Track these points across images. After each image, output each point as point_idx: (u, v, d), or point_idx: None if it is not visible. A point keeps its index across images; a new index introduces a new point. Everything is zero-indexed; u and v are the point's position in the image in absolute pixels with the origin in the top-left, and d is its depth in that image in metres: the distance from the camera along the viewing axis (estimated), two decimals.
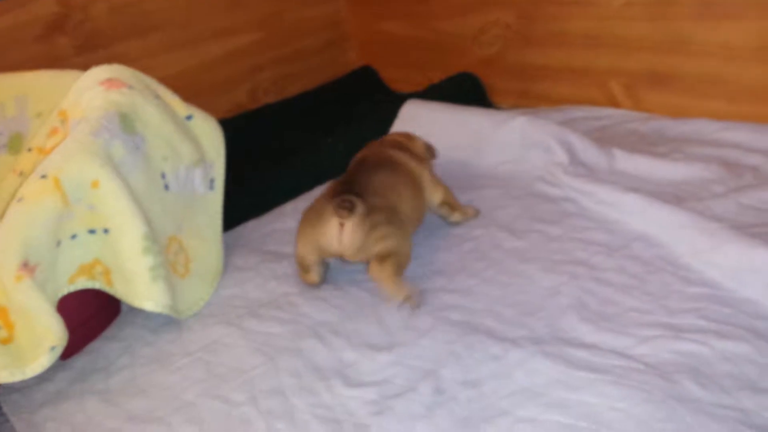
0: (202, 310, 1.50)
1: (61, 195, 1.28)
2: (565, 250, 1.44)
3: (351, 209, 1.33)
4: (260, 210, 1.93)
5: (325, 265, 1.49)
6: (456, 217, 1.61)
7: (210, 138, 1.69)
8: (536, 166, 1.75)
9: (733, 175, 1.55)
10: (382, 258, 1.34)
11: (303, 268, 1.47)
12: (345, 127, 2.21)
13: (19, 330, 1.24)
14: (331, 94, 2.64)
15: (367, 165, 1.52)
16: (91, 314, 1.47)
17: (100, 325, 1.50)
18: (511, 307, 1.30)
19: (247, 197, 1.94)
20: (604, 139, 1.85)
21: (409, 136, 1.71)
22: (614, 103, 2.02)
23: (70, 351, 1.42)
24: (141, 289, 1.37)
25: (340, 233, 1.35)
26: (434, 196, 1.59)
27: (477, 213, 1.63)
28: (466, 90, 2.28)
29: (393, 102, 2.54)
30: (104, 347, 1.44)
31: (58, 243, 1.31)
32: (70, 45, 2.05)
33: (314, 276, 1.47)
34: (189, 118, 1.66)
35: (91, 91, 1.48)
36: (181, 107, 1.65)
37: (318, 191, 1.96)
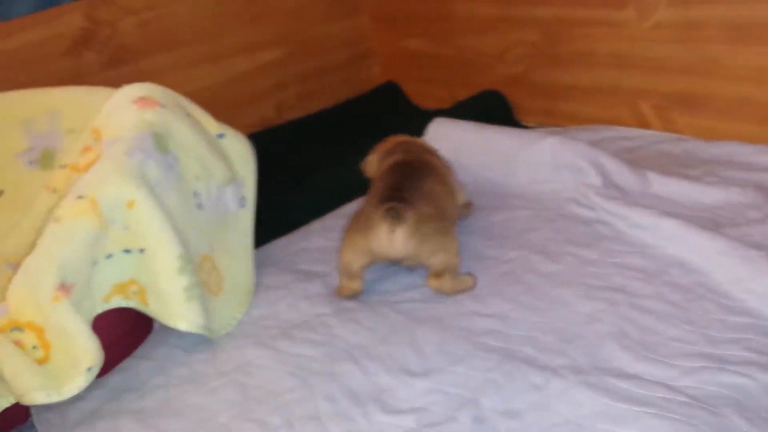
0: (235, 330, 1.49)
1: (97, 215, 1.28)
2: (602, 276, 1.43)
3: (401, 217, 1.38)
4: (286, 227, 1.92)
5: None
6: (465, 213, 1.73)
7: (241, 156, 1.69)
8: (568, 187, 1.74)
9: None
10: (439, 273, 1.43)
11: (348, 275, 1.47)
12: (371, 144, 2.20)
13: (55, 350, 1.23)
14: (356, 110, 2.64)
15: (412, 170, 1.55)
16: (123, 333, 1.46)
17: (132, 344, 1.50)
18: (550, 334, 1.29)
19: (272, 214, 1.94)
20: (635, 160, 1.84)
21: (417, 141, 1.78)
22: (644, 124, 2.02)
23: (103, 369, 1.41)
24: (175, 308, 1.36)
25: (391, 239, 1.39)
26: (459, 199, 1.66)
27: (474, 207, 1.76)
28: (492, 108, 2.28)
29: (416, 117, 2.55)
30: (137, 366, 1.43)
31: (94, 263, 1.30)
32: (97, 60, 2.05)
33: (358, 284, 1.48)
34: (220, 136, 1.66)
35: (124, 110, 1.48)
36: (212, 125, 1.65)
37: (347, 209, 1.96)
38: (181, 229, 1.41)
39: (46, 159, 1.72)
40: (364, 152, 2.13)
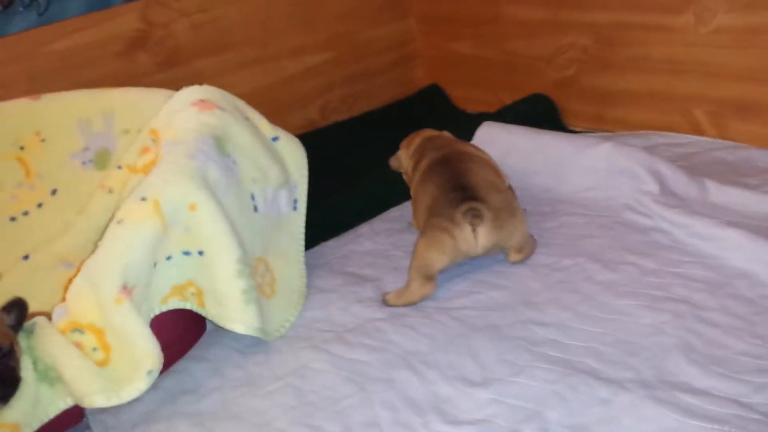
0: (288, 332, 1.49)
1: (160, 218, 1.28)
2: (664, 286, 1.40)
3: (481, 216, 1.45)
4: (333, 229, 1.92)
5: None
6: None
7: (294, 159, 1.70)
8: (623, 193, 1.71)
9: None
10: (520, 249, 1.54)
11: (425, 277, 1.47)
12: None
13: (115, 353, 1.24)
14: (399, 112, 2.63)
15: (464, 163, 1.60)
16: (178, 334, 1.47)
17: (186, 345, 1.50)
18: (613, 346, 1.27)
19: (319, 216, 1.93)
20: (690, 167, 1.81)
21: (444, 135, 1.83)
22: (698, 131, 1.98)
23: None
24: (233, 311, 1.37)
25: (475, 237, 1.46)
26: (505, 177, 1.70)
27: None
28: (539, 112, 2.25)
29: (461, 120, 2.53)
30: (192, 368, 1.44)
31: (154, 264, 1.31)
32: (150, 62, 2.07)
33: (431, 287, 1.48)
34: (275, 139, 1.67)
35: (184, 113, 1.49)
36: (267, 128, 1.66)
37: (393, 212, 1.95)
38: (239, 232, 1.41)
39: (100, 159, 1.74)
40: None
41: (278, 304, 1.53)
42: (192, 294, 1.38)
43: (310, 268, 1.70)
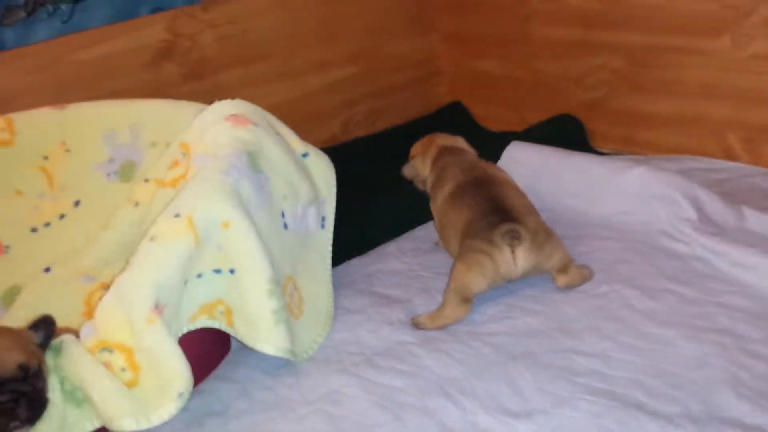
0: (316, 354, 1.45)
1: (194, 235, 1.25)
2: (705, 316, 1.36)
3: (519, 237, 1.43)
4: (358, 248, 1.88)
5: None
6: None
7: (323, 175, 1.67)
8: (659, 219, 1.68)
9: None
10: (563, 268, 1.49)
11: (462, 299, 1.44)
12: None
13: (145, 373, 1.20)
14: (421, 129, 2.59)
15: (498, 187, 1.58)
16: (204, 353, 1.43)
17: (211, 364, 1.46)
18: (658, 378, 1.23)
19: (344, 233, 1.90)
20: (724, 194, 1.77)
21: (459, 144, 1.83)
22: (730, 156, 1.95)
23: None
24: (263, 331, 1.33)
25: (514, 259, 1.44)
26: None
27: None
28: (567, 132, 2.22)
29: (484, 139, 2.50)
30: (218, 388, 1.39)
31: (185, 282, 1.27)
32: (177, 73, 2.04)
33: (466, 309, 1.45)
34: (305, 155, 1.64)
35: (217, 127, 1.46)
36: (297, 144, 1.63)
37: (419, 231, 1.91)
38: (270, 250, 1.37)
39: (126, 171, 1.71)
40: None
41: (306, 324, 1.49)
42: (221, 313, 1.34)
43: (336, 287, 1.67)
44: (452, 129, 2.64)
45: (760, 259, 1.46)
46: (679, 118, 2.02)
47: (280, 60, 2.24)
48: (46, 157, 1.69)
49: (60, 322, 1.28)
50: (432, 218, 1.79)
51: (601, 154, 2.18)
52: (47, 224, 1.69)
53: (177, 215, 1.25)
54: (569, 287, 1.50)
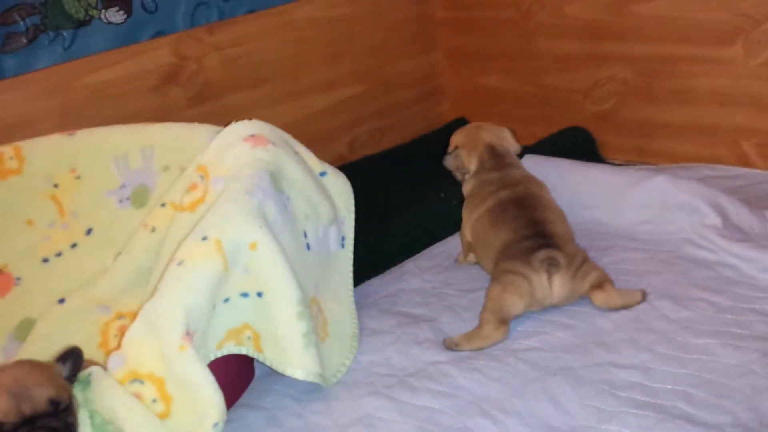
0: (345, 377, 1.41)
1: (222, 258, 1.21)
2: (743, 324, 1.34)
3: (558, 264, 1.41)
4: (375, 268, 1.85)
5: None
6: None
7: (341, 194, 1.64)
8: (682, 227, 1.66)
9: None
10: (598, 286, 1.45)
11: (499, 320, 1.41)
12: (454, 181, 2.14)
13: (177, 404, 1.16)
14: (427, 147, 2.58)
15: (541, 211, 1.56)
16: (231, 380, 1.38)
17: (238, 392, 1.42)
18: (702, 388, 1.20)
19: (359, 253, 1.87)
20: (743, 200, 1.76)
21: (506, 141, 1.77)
22: (745, 163, 1.94)
23: None
24: (293, 356, 1.29)
25: (551, 285, 1.42)
26: None
27: None
28: (578, 145, 2.21)
29: None
30: (247, 416, 1.35)
31: (213, 308, 1.24)
32: (183, 96, 2.01)
33: (504, 331, 1.42)
34: (323, 174, 1.61)
35: (236, 149, 1.43)
36: (315, 163, 1.60)
37: (437, 249, 1.88)
38: (296, 272, 1.34)
39: (138, 197, 1.67)
40: (449, 190, 2.06)
41: (332, 347, 1.45)
42: (248, 338, 1.30)
43: (359, 308, 1.62)
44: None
45: None
46: (693, 126, 2.01)
47: (285, 81, 2.22)
48: (56, 185, 1.65)
49: None
50: (459, 228, 1.76)
51: (613, 165, 2.16)
52: (59, 254, 1.64)
53: (204, 238, 1.22)
54: (609, 307, 1.45)
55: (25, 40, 1.80)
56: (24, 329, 1.57)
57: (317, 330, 1.41)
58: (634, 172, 1.84)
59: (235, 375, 1.42)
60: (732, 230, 1.61)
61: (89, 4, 1.85)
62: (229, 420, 1.35)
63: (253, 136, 1.45)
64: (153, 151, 1.66)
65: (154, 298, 1.18)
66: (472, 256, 1.72)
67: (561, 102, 2.31)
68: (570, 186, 1.87)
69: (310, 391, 1.38)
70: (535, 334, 1.43)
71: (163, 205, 1.56)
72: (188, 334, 1.15)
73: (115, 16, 1.90)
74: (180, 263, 1.20)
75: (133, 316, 1.50)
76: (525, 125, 2.44)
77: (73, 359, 1.13)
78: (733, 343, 1.29)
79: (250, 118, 1.55)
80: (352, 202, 1.66)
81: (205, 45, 2.03)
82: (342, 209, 1.63)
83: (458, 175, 1.80)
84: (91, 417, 1.11)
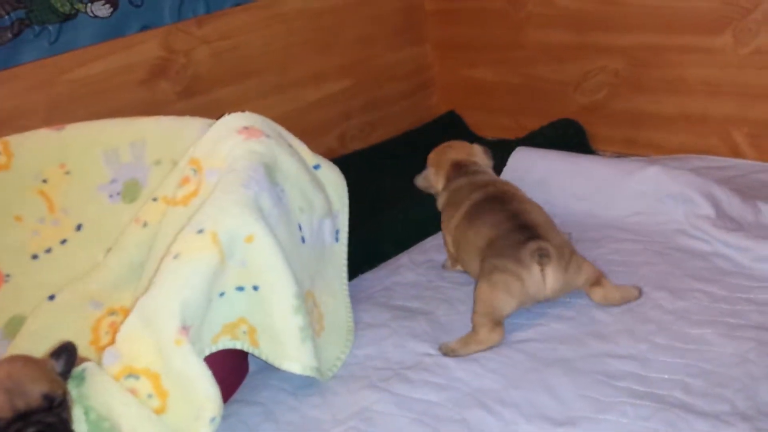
0: (341, 371, 1.40)
1: (218, 251, 1.20)
2: (738, 313, 1.35)
3: (549, 254, 1.37)
4: (368, 261, 1.84)
5: None
6: None
7: (335, 188, 1.63)
8: (674, 218, 1.66)
9: None
10: (596, 281, 1.43)
11: (494, 322, 1.38)
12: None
13: (173, 399, 1.14)
14: (418, 140, 2.57)
15: (519, 203, 1.54)
16: (226, 375, 1.37)
17: (233, 387, 1.41)
18: (700, 378, 1.20)
19: (352, 247, 1.86)
20: (735, 191, 1.77)
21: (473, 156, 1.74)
22: (736, 153, 1.95)
23: None
24: (290, 350, 1.28)
25: (543, 278, 1.39)
26: None
27: None
28: (568, 136, 2.21)
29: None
30: (242, 412, 1.34)
31: (209, 301, 1.22)
32: (171, 90, 1.99)
33: (500, 333, 1.38)
34: (317, 167, 1.60)
35: (230, 141, 1.41)
36: (308, 156, 1.59)
37: (430, 242, 1.88)
38: (291, 265, 1.33)
39: (129, 191, 1.65)
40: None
41: (327, 341, 1.44)
42: (244, 332, 1.29)
43: (353, 302, 1.62)
44: (447, 139, 2.63)
45: None
46: (683, 117, 2.02)
47: (274, 74, 2.20)
48: (45, 180, 1.62)
49: None
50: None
51: (603, 156, 2.17)
52: (48, 250, 1.62)
53: (200, 231, 1.20)
54: (608, 303, 1.42)
55: (10, 35, 1.77)
56: (14, 326, 1.55)
57: (313, 324, 1.40)
58: (625, 164, 1.84)
59: (230, 370, 1.41)
60: (725, 220, 1.61)
61: None
62: (224, 416, 1.33)
63: (246, 128, 1.44)
64: (144, 145, 1.64)
65: (150, 292, 1.16)
66: (460, 266, 1.66)
67: (551, 93, 2.31)
68: (561, 178, 1.87)
69: (306, 385, 1.38)
70: (531, 326, 1.43)
71: (155, 199, 1.54)
72: (184, 329, 1.14)
73: (101, 9, 1.88)
74: (176, 256, 1.18)
75: (125, 312, 1.49)
76: (515, 117, 2.45)
77: (67, 354, 1.11)
78: (729, 333, 1.30)
79: (241, 111, 1.53)
80: (346, 195, 1.65)
81: (193, 38, 2.01)
82: (336, 202, 1.61)
83: (434, 192, 1.78)
84: (86, 413, 1.10)
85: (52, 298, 1.57)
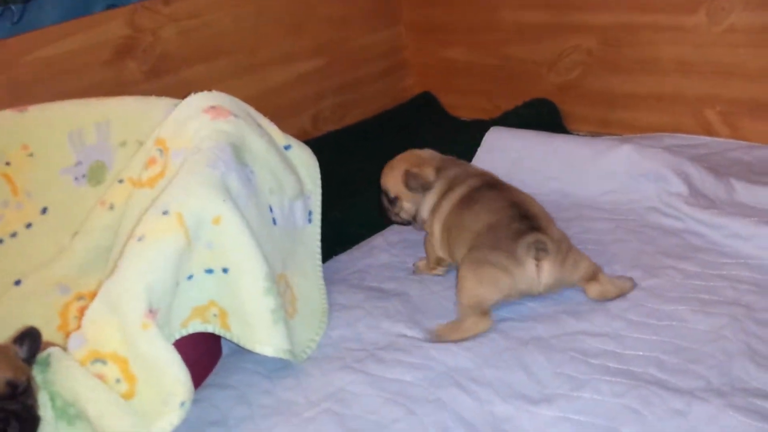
0: (316, 353, 1.38)
1: (184, 232, 1.17)
2: (711, 289, 1.35)
3: (546, 249, 1.33)
4: (342, 243, 1.82)
5: None
6: None
7: (308, 168, 1.60)
8: (647, 196, 1.66)
9: None
10: (592, 276, 1.38)
11: (480, 312, 1.35)
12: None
13: (141, 384, 1.11)
14: (392, 121, 2.55)
15: (514, 191, 1.50)
16: (198, 359, 1.35)
17: (205, 371, 1.38)
18: (674, 354, 1.20)
19: (325, 229, 1.83)
20: (707, 168, 1.77)
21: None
22: (709, 132, 1.95)
23: None
24: (261, 332, 1.26)
25: (539, 273, 1.34)
26: None
27: None
28: (542, 116, 2.20)
29: (458, 128, 2.47)
30: (215, 396, 1.31)
31: (177, 284, 1.19)
32: (138, 70, 1.95)
33: (488, 321, 1.35)
34: (287, 147, 1.57)
35: (196, 121, 1.38)
36: (279, 136, 1.56)
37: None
38: (262, 247, 1.30)
39: (95, 174, 1.61)
40: None
41: (301, 323, 1.42)
42: (214, 315, 1.27)
43: (327, 283, 1.59)
44: (423, 120, 2.62)
45: (756, 229, 1.46)
46: (656, 96, 2.02)
47: (244, 54, 2.16)
48: (8, 163, 1.57)
49: None
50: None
51: (578, 136, 2.16)
52: (14, 234, 1.57)
53: (165, 212, 1.17)
54: (604, 298, 1.37)
55: None
56: None
57: (285, 306, 1.38)
58: (599, 143, 1.83)
59: (202, 353, 1.38)
60: (698, 198, 1.61)
61: None
62: (196, 400, 1.31)
63: (213, 107, 1.40)
64: (109, 126, 1.60)
65: (114, 275, 1.13)
66: (440, 269, 1.59)
67: (525, 73, 2.30)
68: (535, 157, 1.86)
69: (280, 367, 1.36)
70: (507, 305, 1.42)
71: (121, 181, 1.50)
72: (151, 312, 1.11)
73: None
74: (140, 239, 1.15)
75: (93, 296, 1.45)
76: (489, 98, 2.43)
77: (30, 340, 1.08)
78: (703, 309, 1.30)
79: (210, 91, 1.49)
80: (319, 176, 1.62)
81: (161, 16, 1.96)
82: (308, 183, 1.59)
83: (419, 193, 1.60)
84: (52, 399, 1.07)
85: (18, 283, 1.53)
